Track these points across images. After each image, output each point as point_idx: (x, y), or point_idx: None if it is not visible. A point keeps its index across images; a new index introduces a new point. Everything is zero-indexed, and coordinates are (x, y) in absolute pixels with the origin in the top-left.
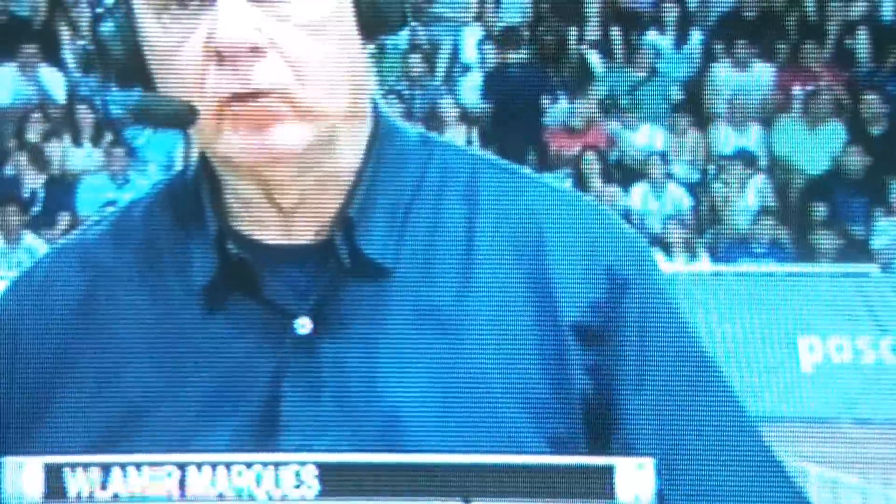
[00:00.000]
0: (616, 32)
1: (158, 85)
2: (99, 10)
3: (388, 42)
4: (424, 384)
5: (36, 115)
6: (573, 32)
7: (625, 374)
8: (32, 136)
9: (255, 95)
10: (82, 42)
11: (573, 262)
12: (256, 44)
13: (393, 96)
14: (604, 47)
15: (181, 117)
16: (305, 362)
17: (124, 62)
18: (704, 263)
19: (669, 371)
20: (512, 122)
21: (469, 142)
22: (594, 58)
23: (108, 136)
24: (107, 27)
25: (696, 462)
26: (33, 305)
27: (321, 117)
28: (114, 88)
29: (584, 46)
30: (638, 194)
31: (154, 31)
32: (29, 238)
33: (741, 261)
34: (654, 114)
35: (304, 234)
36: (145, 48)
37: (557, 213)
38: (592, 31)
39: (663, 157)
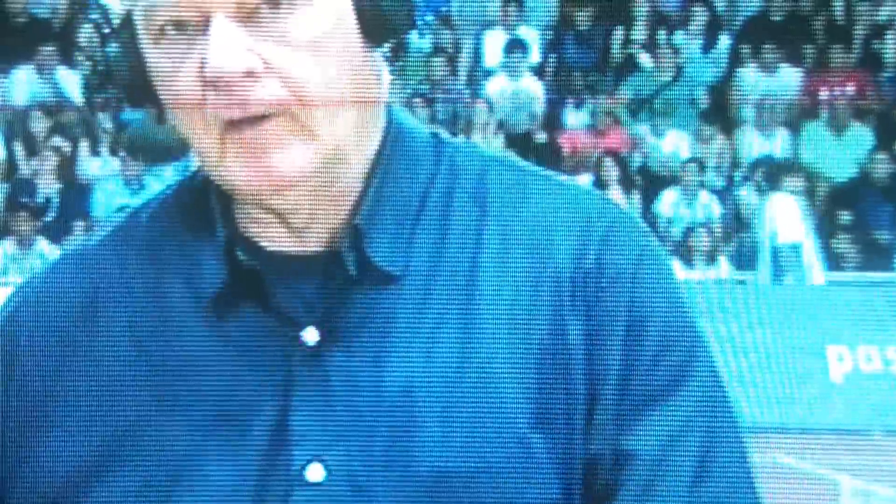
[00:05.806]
0: (644, 35)
1: (165, 108)
2: (105, 31)
3: (410, 45)
4: (436, 391)
5: (44, 115)
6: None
7: (613, 377)
8: (47, 139)
9: (257, 119)
10: (88, 63)
11: (583, 262)
12: (252, 69)
13: (419, 100)
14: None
15: (166, 153)
16: (314, 373)
17: (132, 83)
18: (729, 271)
19: (664, 376)
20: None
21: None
22: (643, 57)
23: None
24: (112, 49)
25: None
26: (36, 313)
27: (328, 137)
28: (125, 108)
29: (636, 47)
30: (668, 201)
31: (154, 55)
32: (42, 244)
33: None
34: (681, 118)
35: (313, 243)
36: (149, 71)
37: (567, 210)
38: (640, 33)
39: (700, 163)
